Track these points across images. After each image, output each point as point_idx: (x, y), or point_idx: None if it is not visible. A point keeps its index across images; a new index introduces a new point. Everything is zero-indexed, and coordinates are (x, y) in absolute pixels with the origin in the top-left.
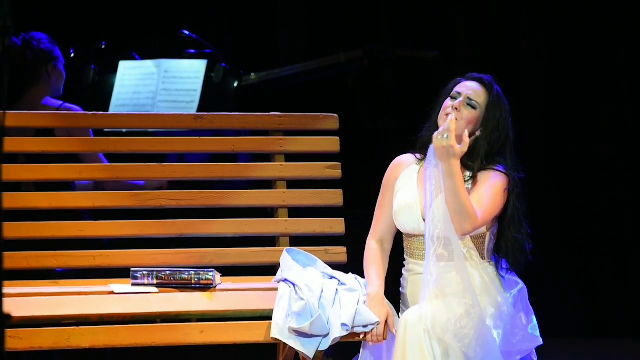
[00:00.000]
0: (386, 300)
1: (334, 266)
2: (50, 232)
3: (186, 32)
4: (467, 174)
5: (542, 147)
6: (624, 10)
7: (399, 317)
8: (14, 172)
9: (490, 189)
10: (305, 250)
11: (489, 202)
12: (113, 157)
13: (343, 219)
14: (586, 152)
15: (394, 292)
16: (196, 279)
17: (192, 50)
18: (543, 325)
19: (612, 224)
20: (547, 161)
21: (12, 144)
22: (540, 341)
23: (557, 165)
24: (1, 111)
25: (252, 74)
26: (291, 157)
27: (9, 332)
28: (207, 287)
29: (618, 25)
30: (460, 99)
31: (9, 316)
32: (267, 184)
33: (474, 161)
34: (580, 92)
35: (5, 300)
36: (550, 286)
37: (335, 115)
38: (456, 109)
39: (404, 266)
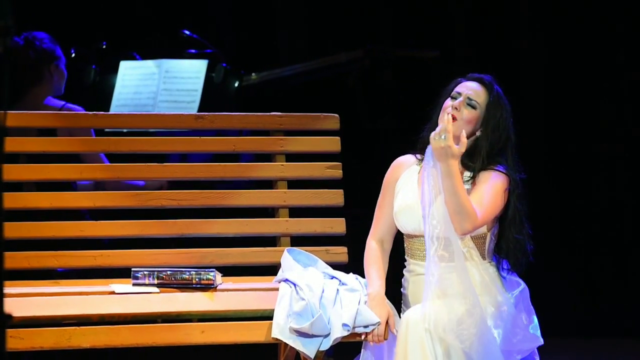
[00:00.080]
0: (387, 300)
1: (335, 266)
2: (51, 232)
3: (187, 32)
4: (468, 174)
5: (542, 147)
6: (624, 10)
7: (399, 317)
8: (15, 172)
9: (491, 189)
10: (306, 250)
11: (489, 202)
12: (114, 157)
13: (344, 219)
14: (586, 152)
15: (394, 293)
16: (197, 279)
17: (193, 50)
18: (543, 325)
19: (612, 224)
20: (547, 161)
21: (14, 144)
22: (541, 341)
23: (557, 165)
24: (2, 111)
25: (253, 74)
26: (292, 157)
27: (10, 332)
28: (207, 287)
29: (618, 25)
30: (460, 98)
31: (10, 316)
32: (267, 184)
33: (475, 161)
34: (580, 92)
35: (6, 300)
36: (550, 286)
37: (336, 115)
38: (456, 108)
39: (404, 267)
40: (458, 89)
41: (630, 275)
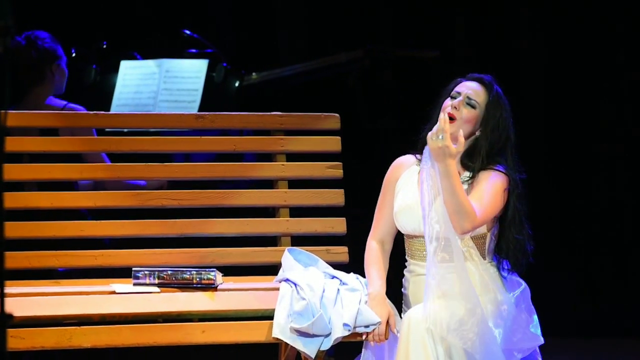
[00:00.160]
0: (387, 300)
1: (336, 266)
2: (52, 231)
3: (187, 32)
4: (467, 174)
5: (542, 147)
6: (624, 10)
7: (400, 317)
8: (17, 171)
9: (491, 188)
10: (307, 250)
11: (489, 201)
12: (115, 157)
13: (344, 218)
14: (586, 152)
15: (394, 293)
16: (198, 279)
17: (194, 50)
18: (543, 325)
19: (612, 224)
20: (547, 161)
21: (16, 144)
22: (541, 340)
23: (557, 165)
24: (3, 111)
25: (254, 74)
26: (292, 156)
27: (10, 331)
28: (208, 286)
29: (618, 25)
30: (460, 98)
31: (10, 316)
32: (268, 183)
33: (474, 161)
34: (580, 92)
35: (7, 300)
36: (551, 286)
37: (337, 115)
38: (455, 108)
39: (405, 267)
40: (458, 88)
41: (630, 275)
